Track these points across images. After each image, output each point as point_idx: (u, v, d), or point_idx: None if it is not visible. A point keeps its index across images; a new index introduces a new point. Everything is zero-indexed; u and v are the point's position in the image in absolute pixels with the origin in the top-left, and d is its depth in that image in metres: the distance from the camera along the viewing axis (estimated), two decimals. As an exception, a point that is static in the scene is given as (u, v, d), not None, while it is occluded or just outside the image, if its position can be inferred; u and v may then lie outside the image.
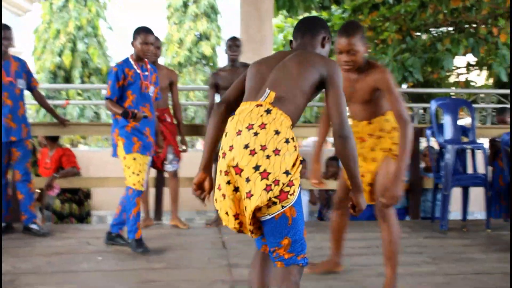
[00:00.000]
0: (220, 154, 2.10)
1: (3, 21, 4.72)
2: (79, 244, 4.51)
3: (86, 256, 4.12)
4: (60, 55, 20.61)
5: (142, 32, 4.28)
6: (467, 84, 11.97)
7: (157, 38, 5.06)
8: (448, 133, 5.30)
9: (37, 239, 4.64)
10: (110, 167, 6.14)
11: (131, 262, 3.96)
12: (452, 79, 13.01)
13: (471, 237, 4.86)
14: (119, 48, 50.52)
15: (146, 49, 4.28)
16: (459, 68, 12.90)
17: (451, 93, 10.81)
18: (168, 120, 5.25)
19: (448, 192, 5.04)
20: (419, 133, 5.64)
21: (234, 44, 5.22)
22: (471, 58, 11.85)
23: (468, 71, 12.70)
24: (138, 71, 4.31)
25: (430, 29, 10.71)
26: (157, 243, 4.47)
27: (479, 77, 13.74)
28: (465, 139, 5.46)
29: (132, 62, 4.31)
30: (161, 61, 5.17)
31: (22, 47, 14.28)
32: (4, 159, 4.76)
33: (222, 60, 25.79)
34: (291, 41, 2.43)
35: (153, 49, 4.93)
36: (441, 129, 5.38)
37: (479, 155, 5.49)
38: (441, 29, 10.92)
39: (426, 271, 3.73)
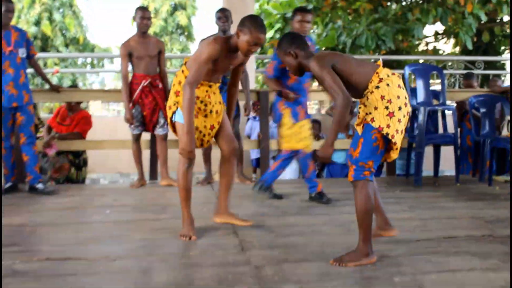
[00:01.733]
0: (402, 102, 2.98)
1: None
2: (85, 201, 4.88)
3: (95, 210, 4.51)
4: (36, 24, 20.53)
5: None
6: (435, 52, 12.49)
7: (146, 9, 5.55)
8: (421, 96, 5.74)
9: (44, 197, 4.98)
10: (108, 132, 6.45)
11: (138, 214, 4.34)
12: (421, 47, 13.50)
13: (442, 190, 5.36)
14: (95, 18, 50.12)
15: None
16: (428, 37, 13.39)
17: (420, 60, 11.29)
18: (160, 86, 5.58)
19: (421, 150, 5.51)
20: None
21: (223, 15, 5.54)
22: (439, 27, 12.35)
23: (436, 39, 13.20)
24: None
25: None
26: (157, 199, 4.85)
27: (446, 45, 14.28)
28: (436, 102, 5.92)
29: None
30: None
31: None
32: (8, 123, 5.07)
33: (198, 30, 25.88)
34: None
35: (146, 21, 5.38)
36: (414, 93, 5.81)
37: (449, 116, 5.96)
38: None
39: (404, 217, 4.19)
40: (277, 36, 11.27)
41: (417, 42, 12.84)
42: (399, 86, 3.02)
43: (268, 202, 4.79)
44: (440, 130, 6.04)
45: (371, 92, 2.99)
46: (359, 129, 3.11)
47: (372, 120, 2.99)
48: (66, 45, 21.41)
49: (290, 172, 6.80)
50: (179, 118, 3.48)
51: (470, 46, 9.76)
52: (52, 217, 4.24)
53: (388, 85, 2.98)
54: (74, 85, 14.36)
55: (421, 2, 10.62)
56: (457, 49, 13.47)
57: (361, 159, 3.03)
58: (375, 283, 2.78)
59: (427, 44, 13.52)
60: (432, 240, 3.54)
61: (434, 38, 13.24)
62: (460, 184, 5.64)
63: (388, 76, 3.01)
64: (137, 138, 5.59)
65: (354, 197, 3.08)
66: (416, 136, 5.60)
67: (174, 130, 3.64)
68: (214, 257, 3.19)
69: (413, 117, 5.80)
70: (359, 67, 3.06)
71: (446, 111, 5.97)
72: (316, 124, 6.69)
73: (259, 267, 2.98)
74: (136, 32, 5.53)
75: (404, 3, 11.33)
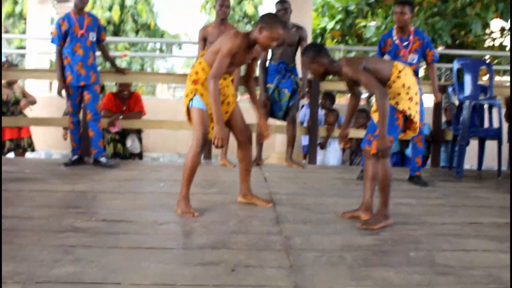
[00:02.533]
0: (417, 88, 3.58)
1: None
2: (143, 174, 5.33)
3: (150, 182, 4.94)
4: (109, 10, 21.40)
5: None
6: (502, 48, 12.37)
7: None
8: (468, 90, 5.89)
9: (106, 170, 5.46)
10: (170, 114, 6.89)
11: (188, 188, 4.73)
12: (487, 43, 13.38)
13: (482, 182, 5.53)
14: (165, 5, 51.29)
15: None
16: (494, 32, 13.26)
17: (486, 56, 11.23)
18: None
19: (464, 142, 5.68)
20: (442, 90, 6.25)
21: (282, 7, 5.82)
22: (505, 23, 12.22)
23: (502, 35, 13.05)
24: (397, 41, 5.17)
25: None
26: (209, 176, 5.23)
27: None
28: (483, 97, 6.05)
29: (394, 32, 5.20)
30: (206, 19, 5.95)
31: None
32: (76, 100, 5.57)
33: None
34: None
35: (225, 9, 5.78)
36: (461, 87, 5.96)
37: (495, 110, 6.07)
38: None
39: (436, 203, 4.42)
40: (337, 27, 11.49)
41: (484, 38, 12.77)
42: (412, 76, 3.59)
43: (310, 184, 5.09)
44: (486, 125, 6.15)
45: (394, 81, 3.53)
46: (375, 116, 3.56)
47: (397, 103, 3.55)
48: (137, 31, 22.19)
49: (334, 158, 7.09)
50: (197, 103, 3.75)
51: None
52: (111, 186, 4.70)
53: (406, 75, 3.53)
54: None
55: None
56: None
57: (392, 134, 3.56)
58: (391, 255, 3.05)
59: (493, 39, 13.39)
60: (457, 224, 3.76)
61: (500, 34, 13.11)
62: (502, 178, 5.76)
63: (404, 68, 3.56)
64: None
65: (376, 166, 3.59)
66: (460, 129, 5.75)
67: (189, 118, 3.86)
68: (250, 227, 3.54)
69: (459, 110, 5.95)
70: (381, 64, 3.64)
71: (494, 106, 6.08)
72: (363, 113, 6.92)
73: (289, 237, 3.30)
74: (215, 18, 5.92)
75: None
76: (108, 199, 4.24)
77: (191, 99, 3.78)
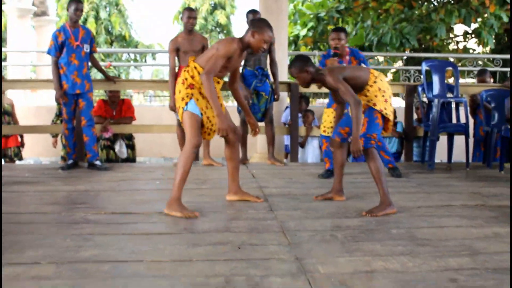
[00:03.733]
0: (391, 93, 4.20)
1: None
2: (137, 175, 5.67)
3: (146, 181, 5.28)
4: (84, 22, 21.65)
5: None
6: (465, 50, 13.03)
7: (193, 10, 6.35)
8: (436, 89, 6.35)
9: (101, 172, 5.77)
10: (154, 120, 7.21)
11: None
12: (451, 46, 14.03)
13: (451, 173, 5.98)
14: (138, 17, 51.53)
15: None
16: (458, 36, 13.92)
17: (451, 59, 11.81)
18: None
19: (434, 137, 6.13)
20: (412, 90, 6.72)
21: (255, 16, 6.20)
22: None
23: (465, 39, 13.71)
24: (335, 63, 5.46)
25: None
26: (198, 174, 5.57)
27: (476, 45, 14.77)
28: (450, 96, 6.52)
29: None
30: (178, 28, 6.35)
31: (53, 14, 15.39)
32: (71, 107, 5.88)
33: (237, 29, 26.63)
34: None
35: (192, 20, 6.13)
36: (430, 86, 6.43)
37: (462, 108, 6.55)
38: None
39: (411, 191, 4.86)
40: (310, 34, 11.96)
41: (448, 41, 13.41)
42: (386, 81, 4.21)
43: (294, 179, 5.48)
44: (454, 121, 6.62)
45: (371, 86, 4.15)
46: None
47: (374, 104, 4.12)
48: (111, 42, 22.51)
49: (312, 155, 7.51)
50: (192, 108, 3.90)
51: (492, 46, 10.28)
52: (110, 186, 5.02)
53: (381, 80, 4.16)
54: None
55: (446, 2, 11.18)
56: (488, 48, 13.95)
57: (368, 132, 4.03)
58: (376, 233, 3.45)
59: (457, 43, 14.04)
60: (431, 207, 4.19)
61: (463, 38, 13.75)
62: (470, 169, 6.23)
63: (379, 74, 4.20)
64: (180, 123, 6.33)
65: (367, 163, 4.06)
66: (430, 125, 6.20)
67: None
68: (247, 214, 3.91)
69: (429, 108, 6.40)
70: (359, 72, 4.23)
71: (460, 104, 6.56)
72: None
73: (284, 221, 3.68)
74: (183, 30, 6.29)
75: (431, 5, 11.89)
76: (110, 196, 4.57)
77: (187, 103, 3.92)
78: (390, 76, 13.56)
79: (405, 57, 12.91)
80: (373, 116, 4.11)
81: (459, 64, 10.11)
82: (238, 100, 4.48)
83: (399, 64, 13.74)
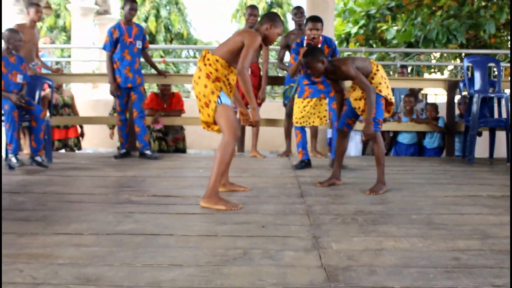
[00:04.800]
0: (388, 82, 4.54)
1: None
2: (183, 164, 6.02)
3: (191, 169, 5.62)
4: (145, 21, 22.45)
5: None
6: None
7: (255, 8, 6.63)
8: (477, 85, 6.41)
9: (151, 161, 6.13)
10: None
11: (224, 173, 5.38)
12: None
13: (491, 167, 6.04)
14: (197, 15, 52.52)
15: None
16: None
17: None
18: (255, 73, 6.59)
19: (474, 132, 6.20)
20: (454, 85, 6.80)
21: (298, 12, 6.50)
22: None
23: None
24: None
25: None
26: (241, 164, 5.86)
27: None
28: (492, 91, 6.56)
29: (305, 42, 5.61)
30: (236, 26, 6.63)
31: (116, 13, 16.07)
32: (123, 100, 6.28)
33: (292, 26, 26.78)
34: None
35: (253, 18, 6.41)
36: (472, 82, 6.49)
37: (503, 103, 6.58)
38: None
39: (443, 183, 4.98)
40: (361, 31, 12.07)
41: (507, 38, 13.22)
42: (383, 69, 4.58)
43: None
44: (496, 116, 6.66)
45: (375, 74, 4.50)
46: (357, 104, 4.56)
47: (380, 91, 4.45)
48: (171, 40, 23.22)
49: (355, 149, 7.68)
50: (225, 100, 3.96)
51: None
52: (157, 172, 5.37)
53: (381, 69, 4.60)
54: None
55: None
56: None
57: (376, 117, 4.39)
58: (396, 217, 3.63)
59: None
60: (458, 197, 4.33)
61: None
62: (511, 164, 6.26)
63: (377, 64, 4.57)
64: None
65: (373, 145, 4.46)
66: (470, 120, 6.28)
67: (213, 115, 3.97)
68: (278, 199, 4.17)
69: (470, 103, 6.46)
70: (364, 62, 4.55)
71: (503, 100, 6.59)
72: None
73: (311, 205, 3.92)
74: (244, 26, 6.60)
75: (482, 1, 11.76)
76: (156, 181, 4.92)
77: (219, 96, 3.94)
78: (446, 74, 13.47)
79: (462, 55, 12.84)
80: (380, 102, 4.45)
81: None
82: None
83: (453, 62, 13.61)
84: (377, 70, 4.54)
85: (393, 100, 4.59)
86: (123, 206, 3.88)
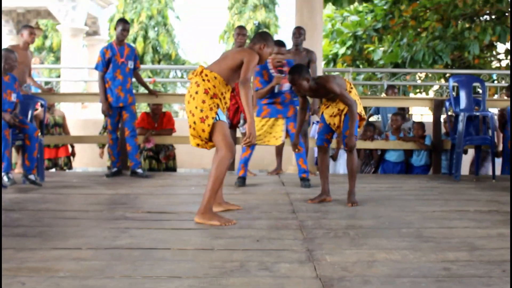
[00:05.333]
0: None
1: (93, 12, 6.37)
2: (175, 182, 6.08)
3: (183, 187, 5.68)
4: (134, 41, 22.61)
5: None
6: (508, 67, 13.10)
7: (244, 28, 6.78)
8: (462, 103, 6.57)
9: (142, 179, 6.19)
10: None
11: (216, 191, 5.45)
12: (494, 64, 14.11)
13: (476, 184, 6.15)
14: (185, 36, 52.92)
15: None
16: (500, 54, 14.00)
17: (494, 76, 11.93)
18: None
19: (460, 150, 6.34)
20: (440, 104, 6.96)
21: (297, 32, 6.63)
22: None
23: (507, 56, 13.76)
24: (275, 73, 5.72)
25: (470, 18, 11.89)
26: (233, 182, 5.92)
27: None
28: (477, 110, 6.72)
29: (270, 65, 5.72)
30: (223, 47, 6.77)
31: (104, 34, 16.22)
32: (115, 119, 6.35)
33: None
34: None
35: (241, 36, 6.59)
36: (457, 101, 6.64)
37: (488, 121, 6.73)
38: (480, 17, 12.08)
39: (430, 198, 5.10)
40: (348, 52, 12.27)
41: (491, 59, 13.51)
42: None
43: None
44: (481, 134, 6.80)
45: (350, 91, 4.71)
46: (332, 120, 4.78)
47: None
48: (159, 61, 23.41)
49: (344, 167, 7.77)
50: (222, 117, 4.03)
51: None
52: (149, 190, 5.43)
53: (354, 86, 4.81)
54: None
55: (485, 20, 11.33)
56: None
57: (355, 133, 4.61)
58: (386, 231, 3.74)
59: (499, 61, 14.10)
60: (446, 212, 4.43)
61: (504, 55, 13.81)
62: (496, 181, 6.39)
63: (350, 82, 4.77)
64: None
65: (347, 160, 4.76)
66: (456, 138, 6.42)
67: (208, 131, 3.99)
68: (271, 214, 4.25)
69: (456, 122, 6.61)
70: (340, 80, 4.74)
71: (487, 118, 6.74)
72: (371, 127, 7.60)
73: (303, 220, 4.01)
74: (233, 46, 6.75)
75: (467, 23, 12.03)
76: (148, 199, 4.98)
77: (216, 113, 3.98)
78: (432, 93, 13.69)
79: (447, 75, 13.08)
80: (355, 119, 4.68)
81: (503, 82, 10.24)
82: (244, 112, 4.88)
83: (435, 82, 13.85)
84: (351, 88, 4.78)
85: (365, 116, 4.93)
86: (119, 222, 3.94)
